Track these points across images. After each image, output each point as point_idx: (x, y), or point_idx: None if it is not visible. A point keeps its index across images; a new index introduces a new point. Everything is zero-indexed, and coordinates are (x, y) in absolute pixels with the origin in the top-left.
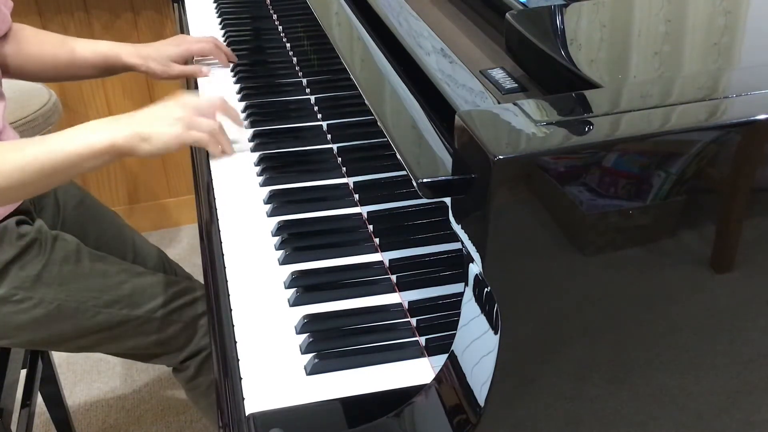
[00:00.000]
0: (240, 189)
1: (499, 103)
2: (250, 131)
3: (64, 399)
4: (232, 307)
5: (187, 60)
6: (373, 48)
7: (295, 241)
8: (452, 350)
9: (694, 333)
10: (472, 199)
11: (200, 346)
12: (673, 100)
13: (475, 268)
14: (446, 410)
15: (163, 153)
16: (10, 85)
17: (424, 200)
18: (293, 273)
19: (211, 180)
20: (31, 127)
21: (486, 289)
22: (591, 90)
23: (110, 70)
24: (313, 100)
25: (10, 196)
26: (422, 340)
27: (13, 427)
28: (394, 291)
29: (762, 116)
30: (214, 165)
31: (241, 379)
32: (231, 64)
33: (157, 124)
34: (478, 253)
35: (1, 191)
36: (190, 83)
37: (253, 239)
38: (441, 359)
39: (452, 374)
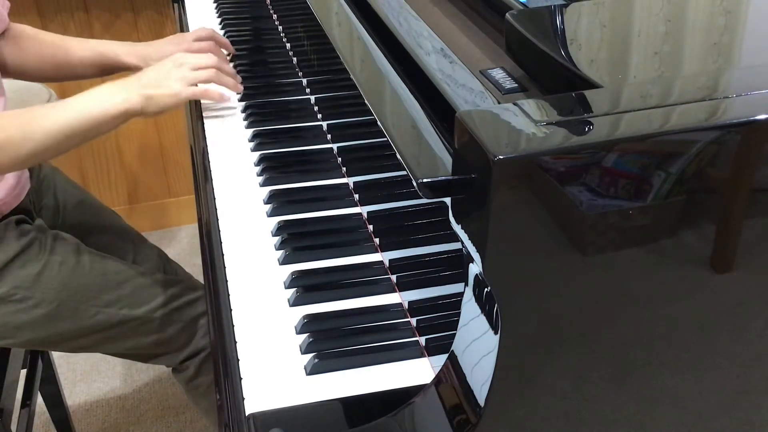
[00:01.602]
0: (240, 189)
1: (499, 103)
2: (250, 131)
3: (64, 399)
4: (232, 307)
5: None
6: (373, 48)
7: (295, 241)
8: (452, 350)
9: (694, 333)
10: (472, 199)
11: (200, 346)
12: (673, 100)
13: (475, 268)
14: (446, 410)
15: (167, 111)
16: (9, 84)
17: (424, 200)
18: (293, 273)
19: (211, 180)
20: None
21: (486, 289)
22: (591, 90)
23: (109, 69)
24: (313, 100)
25: (36, 159)
26: (422, 340)
27: (13, 427)
28: (394, 291)
29: (762, 116)
30: (214, 165)
31: (241, 379)
32: (231, 65)
33: (160, 87)
34: (478, 253)
35: (32, 155)
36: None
37: (253, 239)
38: (441, 359)
39: (452, 374)
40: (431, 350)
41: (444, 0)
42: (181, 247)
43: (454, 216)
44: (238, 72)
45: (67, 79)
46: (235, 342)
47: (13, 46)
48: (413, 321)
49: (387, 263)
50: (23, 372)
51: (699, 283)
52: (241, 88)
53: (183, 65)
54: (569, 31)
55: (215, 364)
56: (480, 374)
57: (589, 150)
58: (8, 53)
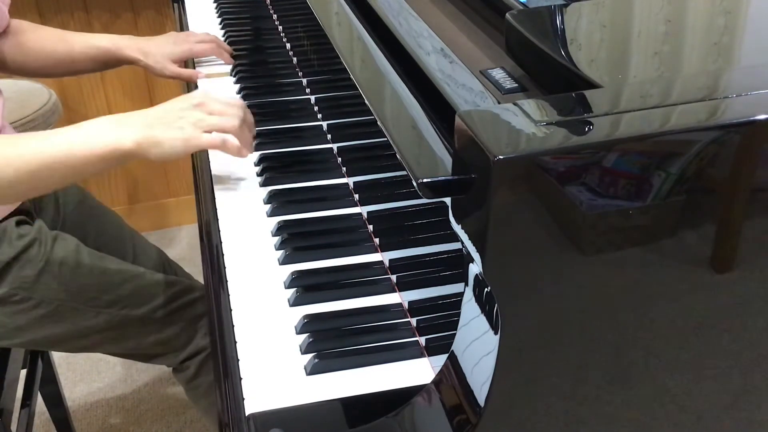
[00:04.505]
0: (240, 189)
1: (499, 103)
2: None
3: (64, 399)
4: (232, 307)
5: (187, 59)
6: (373, 48)
7: (295, 241)
8: (452, 350)
9: (695, 333)
10: (472, 199)
11: (200, 346)
12: (673, 100)
13: (475, 268)
14: (446, 410)
15: (174, 158)
16: (9, 85)
17: (424, 200)
18: (293, 273)
19: (211, 180)
20: (31, 127)
21: (486, 289)
22: (591, 90)
23: (110, 63)
24: (313, 100)
25: (11, 194)
26: (422, 340)
27: (13, 427)
28: (394, 291)
29: (762, 116)
30: (214, 165)
31: (241, 379)
32: (230, 66)
33: (169, 128)
34: (478, 253)
35: (5, 187)
36: (191, 85)
37: (253, 239)
38: (441, 359)
39: (452, 374)
40: (431, 350)
41: (444, 0)
42: (181, 247)
43: (454, 216)
44: (239, 72)
45: (69, 74)
46: (235, 342)
47: (14, 43)
48: (413, 321)
49: (387, 263)
50: (23, 372)
51: (699, 283)
52: (252, 147)
53: (202, 106)
54: (569, 31)
55: (215, 364)
56: (480, 374)
57: (589, 150)
58: (9, 50)
